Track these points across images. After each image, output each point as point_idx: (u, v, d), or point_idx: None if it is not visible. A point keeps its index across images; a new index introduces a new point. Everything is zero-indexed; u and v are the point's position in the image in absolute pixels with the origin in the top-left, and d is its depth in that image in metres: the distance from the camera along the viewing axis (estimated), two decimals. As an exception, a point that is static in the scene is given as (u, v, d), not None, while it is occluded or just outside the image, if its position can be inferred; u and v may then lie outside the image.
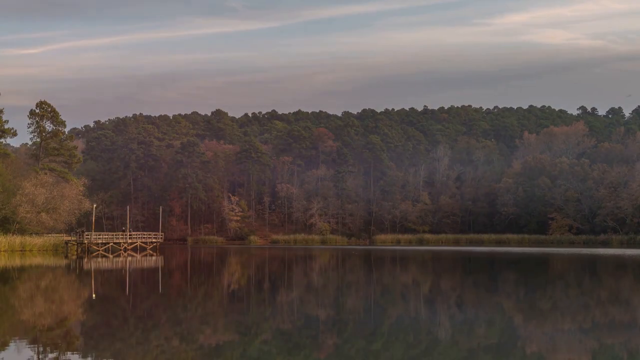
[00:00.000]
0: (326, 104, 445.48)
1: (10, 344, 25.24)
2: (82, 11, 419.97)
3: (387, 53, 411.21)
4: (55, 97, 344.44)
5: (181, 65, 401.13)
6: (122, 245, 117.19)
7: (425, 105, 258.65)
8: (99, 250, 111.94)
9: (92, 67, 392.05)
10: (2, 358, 22.18)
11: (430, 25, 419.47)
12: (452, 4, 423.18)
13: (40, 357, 22.61)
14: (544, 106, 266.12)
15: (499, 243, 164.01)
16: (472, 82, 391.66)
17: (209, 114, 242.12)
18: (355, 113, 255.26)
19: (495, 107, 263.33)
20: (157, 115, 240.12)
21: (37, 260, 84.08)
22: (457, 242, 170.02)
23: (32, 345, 24.80)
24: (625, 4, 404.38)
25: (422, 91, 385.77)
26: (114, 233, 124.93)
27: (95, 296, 43.78)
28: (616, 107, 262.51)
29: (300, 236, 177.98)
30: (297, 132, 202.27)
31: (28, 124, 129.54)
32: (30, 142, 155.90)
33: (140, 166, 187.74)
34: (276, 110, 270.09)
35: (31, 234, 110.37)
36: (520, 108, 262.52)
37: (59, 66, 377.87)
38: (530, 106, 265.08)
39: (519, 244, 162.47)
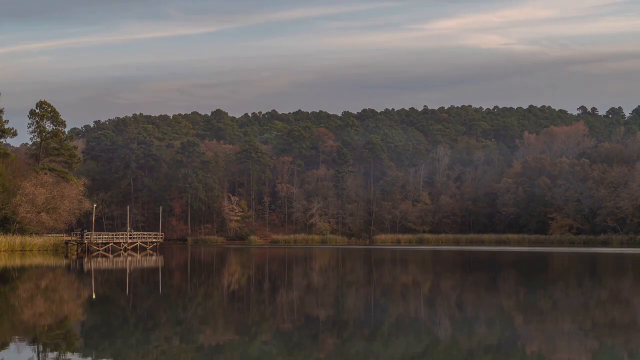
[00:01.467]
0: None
1: (10, 344, 25.25)
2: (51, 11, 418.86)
3: (326, 56, 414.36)
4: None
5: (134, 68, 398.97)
6: (122, 245, 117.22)
7: (425, 105, 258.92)
8: (99, 250, 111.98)
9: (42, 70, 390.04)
10: (2, 358, 22.18)
11: (363, 30, 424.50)
12: (381, 11, 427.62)
13: (40, 357, 22.62)
14: (544, 106, 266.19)
15: (499, 243, 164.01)
16: (419, 85, 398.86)
17: (209, 114, 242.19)
18: (355, 113, 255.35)
19: (495, 107, 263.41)
20: (157, 115, 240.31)
21: (37, 260, 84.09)
22: (457, 242, 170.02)
23: (32, 346, 24.80)
24: (550, 10, 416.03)
25: (359, 94, 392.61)
26: (114, 233, 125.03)
27: (95, 296, 43.78)
28: (616, 107, 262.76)
29: (300, 236, 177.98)
30: (297, 132, 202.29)
31: (28, 124, 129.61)
32: (30, 142, 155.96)
33: (140, 166, 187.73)
34: (276, 110, 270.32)
35: (31, 234, 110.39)
36: (520, 108, 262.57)
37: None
38: (530, 106, 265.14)
39: (519, 244, 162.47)
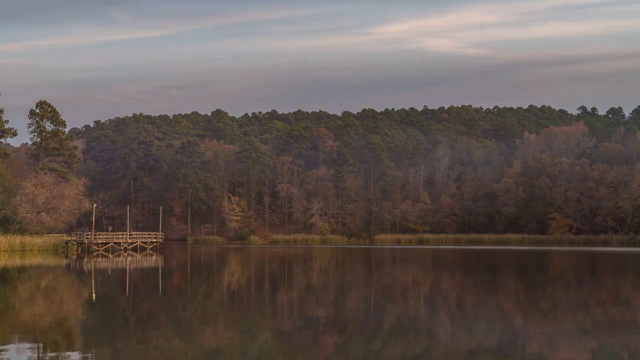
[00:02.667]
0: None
1: (11, 344, 25.25)
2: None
3: (279, 60, 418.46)
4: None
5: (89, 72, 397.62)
6: (122, 245, 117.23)
7: (425, 105, 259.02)
8: (99, 250, 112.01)
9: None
10: (2, 358, 22.18)
11: (311, 34, 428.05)
12: (328, 15, 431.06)
13: (40, 357, 22.62)
14: (544, 106, 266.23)
15: (499, 243, 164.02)
16: (377, 88, 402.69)
17: (209, 114, 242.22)
18: (355, 113, 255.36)
19: (496, 107, 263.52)
20: (157, 115, 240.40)
21: (37, 260, 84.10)
22: (457, 242, 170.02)
23: (32, 346, 24.80)
24: (493, 16, 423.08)
25: (316, 97, 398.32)
26: (115, 233, 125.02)
27: (95, 296, 43.79)
28: (616, 107, 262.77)
29: (300, 236, 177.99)
30: (297, 132, 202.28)
31: (28, 124, 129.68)
32: (30, 142, 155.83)
33: (140, 166, 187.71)
34: (276, 110, 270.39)
35: (31, 233, 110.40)
36: (520, 108, 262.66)
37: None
38: (530, 106, 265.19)
39: (519, 243, 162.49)
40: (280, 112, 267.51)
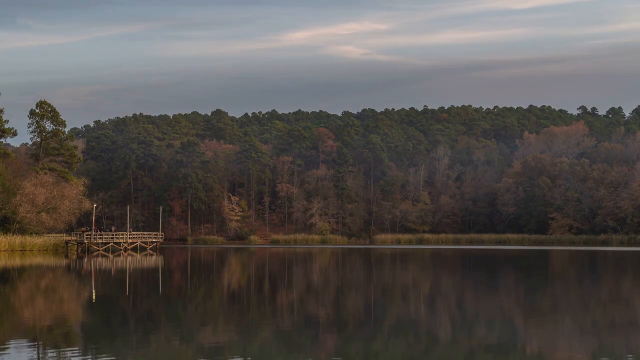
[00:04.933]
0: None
1: (11, 343, 25.25)
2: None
3: (190, 64, 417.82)
4: None
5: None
6: (122, 245, 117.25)
7: (425, 105, 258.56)
8: (99, 250, 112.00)
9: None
10: (3, 358, 22.18)
11: (217, 39, 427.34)
12: (232, 21, 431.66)
13: (40, 357, 22.62)
14: (544, 106, 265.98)
15: (499, 243, 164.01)
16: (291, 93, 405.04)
17: (209, 114, 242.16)
18: (355, 113, 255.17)
19: (496, 107, 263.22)
20: (157, 115, 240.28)
21: (37, 260, 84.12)
22: (457, 242, 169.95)
23: (32, 345, 24.80)
24: (387, 24, 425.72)
25: (239, 100, 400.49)
26: (114, 233, 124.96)
27: (95, 296, 43.79)
28: (616, 107, 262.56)
29: (300, 236, 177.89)
30: (297, 132, 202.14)
31: (28, 123, 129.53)
32: (30, 142, 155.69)
33: (140, 166, 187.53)
34: (276, 110, 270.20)
35: (31, 233, 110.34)
36: (520, 108, 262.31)
37: None
38: (530, 106, 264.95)
39: (519, 243, 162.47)
40: (280, 112, 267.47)
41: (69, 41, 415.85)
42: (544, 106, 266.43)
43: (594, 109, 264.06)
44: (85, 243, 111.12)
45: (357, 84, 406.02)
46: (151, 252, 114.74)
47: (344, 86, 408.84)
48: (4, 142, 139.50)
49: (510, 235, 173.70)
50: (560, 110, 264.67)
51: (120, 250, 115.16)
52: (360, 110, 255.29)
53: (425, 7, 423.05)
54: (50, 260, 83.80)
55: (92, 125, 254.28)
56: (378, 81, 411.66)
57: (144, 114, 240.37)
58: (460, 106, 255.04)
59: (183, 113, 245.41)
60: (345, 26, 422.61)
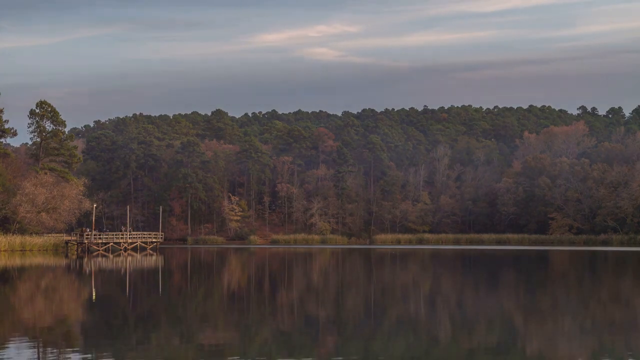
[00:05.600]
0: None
1: (11, 343, 25.25)
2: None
3: (157, 67, 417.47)
4: None
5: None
6: (122, 245, 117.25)
7: (425, 105, 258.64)
8: (99, 250, 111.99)
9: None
10: (2, 358, 22.19)
11: (189, 40, 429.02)
12: (202, 24, 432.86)
13: (40, 356, 22.62)
14: (544, 106, 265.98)
15: (499, 243, 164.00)
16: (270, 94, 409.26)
17: (209, 114, 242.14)
18: (355, 113, 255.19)
19: (496, 106, 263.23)
20: (157, 115, 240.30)
21: (37, 260, 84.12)
22: (457, 242, 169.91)
23: (32, 345, 24.81)
24: (357, 27, 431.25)
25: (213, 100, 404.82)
26: (114, 233, 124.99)
27: (95, 296, 43.80)
28: (616, 107, 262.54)
29: (300, 236, 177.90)
30: (297, 132, 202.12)
31: (28, 123, 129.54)
32: (30, 142, 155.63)
33: (140, 166, 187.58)
34: (276, 110, 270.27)
35: (31, 233, 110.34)
36: (520, 108, 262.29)
37: None
38: (530, 106, 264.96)
39: (519, 243, 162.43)
40: (280, 112, 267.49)
41: (64, 40, 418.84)
42: (544, 106, 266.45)
43: (594, 109, 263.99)
44: (85, 243, 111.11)
45: (335, 85, 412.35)
46: (151, 252, 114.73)
47: (322, 87, 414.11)
48: (4, 142, 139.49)
49: (510, 235, 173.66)
50: (560, 110, 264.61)
51: (120, 250, 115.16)
52: (360, 110, 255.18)
53: (392, 9, 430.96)
54: (50, 260, 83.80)
55: (92, 125, 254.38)
56: (357, 82, 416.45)
57: (144, 114, 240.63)
58: (460, 106, 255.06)
59: (183, 113, 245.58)
60: (316, 28, 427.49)
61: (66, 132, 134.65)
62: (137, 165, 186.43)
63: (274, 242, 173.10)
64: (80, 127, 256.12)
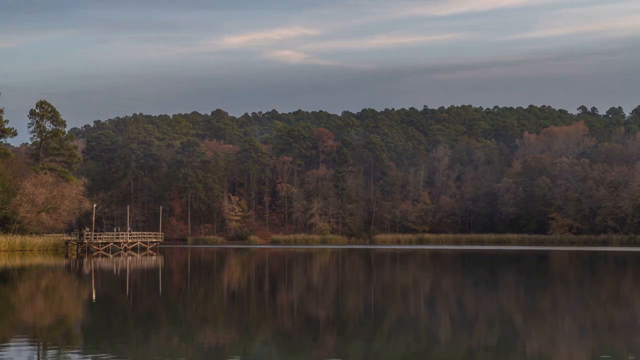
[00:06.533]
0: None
1: (11, 343, 25.26)
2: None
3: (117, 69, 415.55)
4: None
5: None
6: (122, 245, 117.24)
7: (425, 105, 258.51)
8: (99, 250, 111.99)
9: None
10: (2, 358, 22.19)
11: (152, 43, 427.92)
12: (168, 26, 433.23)
13: (40, 356, 22.62)
14: (544, 106, 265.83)
15: (499, 243, 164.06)
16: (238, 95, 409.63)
17: (209, 114, 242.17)
18: (355, 113, 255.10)
19: (496, 106, 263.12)
20: (157, 115, 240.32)
21: (37, 260, 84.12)
22: (457, 242, 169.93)
23: (32, 345, 24.81)
24: (318, 30, 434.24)
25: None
26: (115, 233, 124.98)
27: (95, 296, 43.80)
28: (616, 106, 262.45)
29: (300, 236, 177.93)
30: (297, 132, 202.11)
31: (28, 123, 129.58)
32: (30, 142, 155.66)
33: (140, 166, 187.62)
34: (276, 110, 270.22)
35: (31, 233, 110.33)
36: (520, 108, 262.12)
37: None
38: (531, 106, 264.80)
39: (519, 243, 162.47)
40: (280, 112, 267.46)
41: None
42: (544, 106, 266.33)
43: (594, 108, 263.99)
44: (85, 243, 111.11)
45: (307, 86, 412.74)
46: (151, 252, 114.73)
47: (295, 88, 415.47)
48: (4, 142, 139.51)
49: (510, 235, 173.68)
50: (560, 110, 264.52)
51: (120, 250, 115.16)
52: (360, 110, 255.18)
53: (350, 12, 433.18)
54: (50, 260, 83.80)
55: (92, 125, 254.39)
56: (328, 84, 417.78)
57: (144, 114, 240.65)
58: (460, 106, 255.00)
59: (183, 113, 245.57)
60: (277, 31, 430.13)
61: (66, 132, 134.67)
62: (137, 165, 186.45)
63: (274, 242, 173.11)
64: (80, 127, 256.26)
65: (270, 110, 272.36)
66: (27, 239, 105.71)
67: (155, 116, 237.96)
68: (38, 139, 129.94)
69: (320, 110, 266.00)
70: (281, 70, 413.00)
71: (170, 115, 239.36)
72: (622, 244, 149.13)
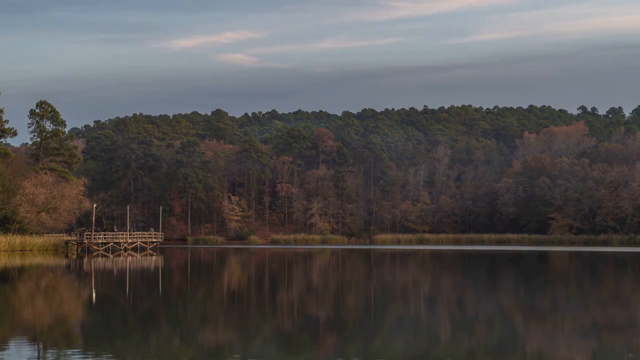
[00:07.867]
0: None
1: (11, 343, 25.26)
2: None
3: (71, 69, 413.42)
4: None
5: None
6: (122, 245, 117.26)
7: (425, 105, 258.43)
8: (99, 250, 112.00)
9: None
10: (3, 358, 22.19)
11: (103, 44, 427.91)
12: (122, 27, 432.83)
13: (40, 356, 22.63)
14: (544, 106, 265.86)
15: (499, 243, 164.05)
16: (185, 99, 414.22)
17: (209, 114, 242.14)
18: (355, 113, 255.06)
19: (496, 106, 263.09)
20: (157, 115, 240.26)
21: (37, 260, 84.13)
22: (457, 242, 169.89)
23: (32, 345, 24.81)
24: (259, 32, 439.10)
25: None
26: (115, 233, 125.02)
27: (96, 296, 43.81)
28: (616, 106, 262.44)
29: (300, 236, 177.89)
30: (297, 132, 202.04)
31: (28, 123, 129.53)
32: (30, 142, 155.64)
33: (140, 166, 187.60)
34: (276, 110, 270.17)
35: (31, 233, 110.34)
36: (520, 108, 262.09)
37: None
38: (530, 106, 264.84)
39: (519, 243, 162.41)
40: (280, 112, 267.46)
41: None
42: (544, 106, 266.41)
43: (594, 108, 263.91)
44: (85, 243, 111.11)
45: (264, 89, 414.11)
46: (151, 252, 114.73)
47: (245, 90, 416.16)
48: (4, 142, 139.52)
49: (510, 235, 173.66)
50: (560, 110, 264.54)
51: (120, 250, 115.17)
52: (360, 110, 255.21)
53: (296, 16, 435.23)
54: (50, 260, 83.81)
55: (92, 125, 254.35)
56: (289, 86, 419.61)
57: (144, 114, 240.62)
58: (460, 106, 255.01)
59: (183, 113, 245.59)
60: (225, 35, 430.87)
61: (66, 132, 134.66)
62: (137, 165, 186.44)
63: (274, 242, 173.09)
64: (80, 127, 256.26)
65: (270, 110, 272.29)
66: (27, 239, 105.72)
67: (155, 116, 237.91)
68: (38, 139, 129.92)
69: (320, 110, 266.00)
70: (231, 73, 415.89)
71: (170, 115, 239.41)
72: (622, 244, 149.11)
